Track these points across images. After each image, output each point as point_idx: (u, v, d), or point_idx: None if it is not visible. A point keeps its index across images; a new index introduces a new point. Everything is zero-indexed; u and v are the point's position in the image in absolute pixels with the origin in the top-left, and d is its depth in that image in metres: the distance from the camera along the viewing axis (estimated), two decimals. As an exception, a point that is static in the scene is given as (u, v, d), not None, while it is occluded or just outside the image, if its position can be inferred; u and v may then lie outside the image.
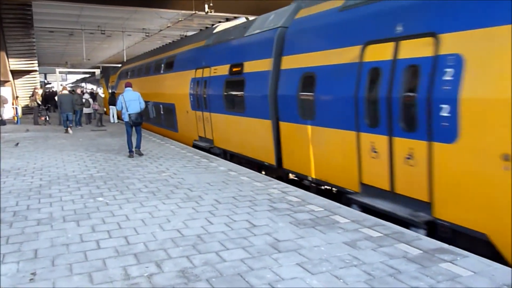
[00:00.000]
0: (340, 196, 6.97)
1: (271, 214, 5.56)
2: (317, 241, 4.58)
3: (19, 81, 24.28)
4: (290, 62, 8.10)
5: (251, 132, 9.56)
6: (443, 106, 4.89)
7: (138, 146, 10.82)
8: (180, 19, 26.04)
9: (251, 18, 18.90)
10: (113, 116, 21.37)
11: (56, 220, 5.46)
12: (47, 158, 10.53)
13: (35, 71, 24.78)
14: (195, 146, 12.73)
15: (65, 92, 19.11)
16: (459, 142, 4.76)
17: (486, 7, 4.64)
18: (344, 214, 5.50)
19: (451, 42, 4.93)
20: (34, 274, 3.82)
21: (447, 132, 4.88)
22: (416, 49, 5.39)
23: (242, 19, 22.47)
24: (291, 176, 8.93)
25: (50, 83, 55.68)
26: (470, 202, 4.75)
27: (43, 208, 6.01)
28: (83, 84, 54.88)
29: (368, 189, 6.24)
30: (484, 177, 4.55)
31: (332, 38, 7.04)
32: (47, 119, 20.96)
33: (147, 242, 4.63)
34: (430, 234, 5.03)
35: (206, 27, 31.09)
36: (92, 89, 37.45)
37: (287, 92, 8.05)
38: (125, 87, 10.93)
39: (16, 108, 21.84)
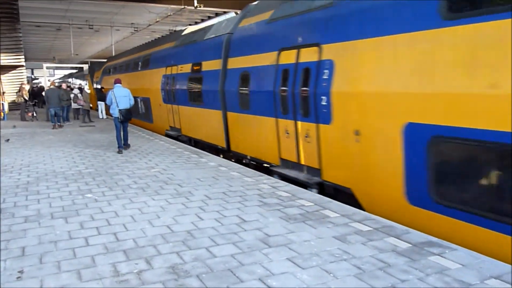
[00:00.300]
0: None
1: (261, 209, 5.56)
2: (307, 235, 4.59)
3: (5, 77, 23.91)
4: (233, 63, 9.82)
5: (208, 121, 11.33)
6: (323, 97, 6.62)
7: (125, 142, 10.96)
8: (169, 14, 25.85)
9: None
10: (101, 111, 21.21)
11: (44, 217, 5.40)
12: (34, 154, 10.41)
13: (22, 66, 24.44)
14: (167, 135, 14.38)
15: (53, 87, 18.89)
16: (332, 123, 6.53)
17: (346, 27, 6.39)
18: (334, 209, 5.52)
19: (328, 51, 6.63)
20: (21, 272, 3.77)
21: (325, 116, 6.62)
22: (308, 55, 7.06)
23: (231, 14, 22.37)
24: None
25: (37, 79, 54.99)
26: (340, 166, 6.55)
27: (31, 205, 5.94)
28: (70, 80, 54.30)
29: (285, 162, 8.03)
30: (346, 147, 6.28)
31: (260, 45, 8.73)
32: (34, 115, 20.71)
33: (137, 238, 4.60)
34: (321, 192, 6.78)
35: (196, 22, 30.92)
36: (80, 84, 37.02)
37: (231, 87, 9.77)
38: (114, 83, 11.06)
39: (2, 104, 21.50)
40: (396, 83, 5.36)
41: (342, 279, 3.55)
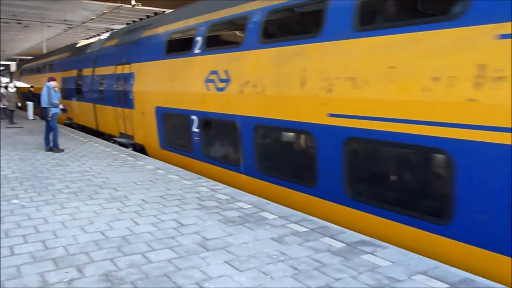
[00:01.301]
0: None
1: (200, 213, 5.51)
2: (246, 238, 4.61)
3: None
4: (98, 71, 14.54)
5: (86, 111, 15.98)
6: (130, 93, 11.39)
7: (54, 144, 10.63)
8: (105, 12, 24.99)
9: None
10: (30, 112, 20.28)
11: (-37, 225, 5.00)
12: (-47, 157, 9.61)
13: None
14: (65, 124, 18.26)
15: None
16: (135, 108, 11.29)
17: (138, 54, 11.35)
18: (272, 210, 5.59)
19: (133, 67, 11.40)
20: None
21: (132, 104, 11.41)
22: (126, 69, 11.81)
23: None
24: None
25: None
26: (139, 133, 11.40)
27: None
28: None
29: (121, 134, 12.63)
30: (140, 122, 11.10)
31: (109, 60, 13.48)
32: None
33: (68, 245, 4.38)
34: (134, 149, 11.39)
35: (134, 21, 30.09)
36: (7, 83, 34.73)
37: (95, 87, 14.53)
38: (47, 81, 10.98)
39: None
40: (151, 86, 10.40)
41: (278, 280, 3.60)
